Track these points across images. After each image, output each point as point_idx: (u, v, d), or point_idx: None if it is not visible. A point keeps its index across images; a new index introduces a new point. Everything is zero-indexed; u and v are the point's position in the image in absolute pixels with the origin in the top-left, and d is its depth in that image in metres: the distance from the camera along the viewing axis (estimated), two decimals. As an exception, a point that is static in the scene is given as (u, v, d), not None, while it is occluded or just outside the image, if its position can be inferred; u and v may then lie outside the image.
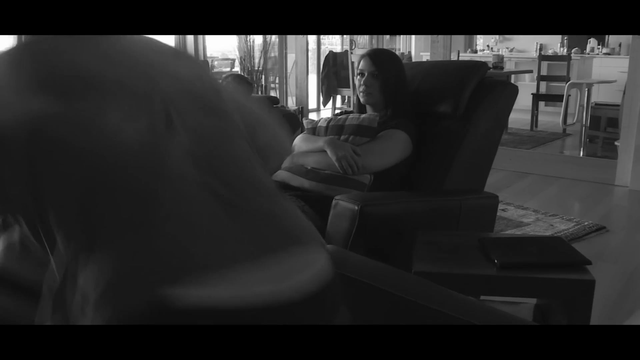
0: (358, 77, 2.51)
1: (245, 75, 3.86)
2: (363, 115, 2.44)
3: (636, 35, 4.60)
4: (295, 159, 2.44)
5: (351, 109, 2.84)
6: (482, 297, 2.07)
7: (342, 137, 2.40)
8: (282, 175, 2.42)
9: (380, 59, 2.47)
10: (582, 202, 4.53)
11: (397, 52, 10.46)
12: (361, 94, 2.49)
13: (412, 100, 2.49)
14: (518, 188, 4.80)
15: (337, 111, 8.75)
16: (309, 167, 2.36)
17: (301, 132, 2.64)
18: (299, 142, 2.51)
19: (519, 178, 5.05)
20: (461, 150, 2.31)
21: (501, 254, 1.69)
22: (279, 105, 3.93)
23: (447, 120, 2.38)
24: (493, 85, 2.40)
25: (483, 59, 7.96)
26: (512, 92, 2.42)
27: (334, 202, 1.95)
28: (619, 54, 9.27)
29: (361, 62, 2.51)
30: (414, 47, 10.49)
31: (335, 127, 2.45)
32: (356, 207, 1.86)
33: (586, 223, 3.83)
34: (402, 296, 1.23)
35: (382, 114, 2.46)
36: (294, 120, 3.91)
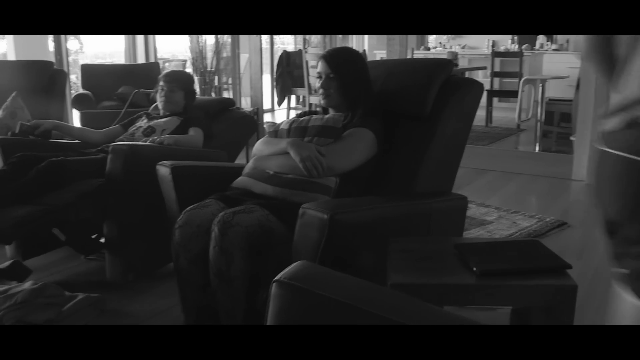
0: (317, 79, 2.41)
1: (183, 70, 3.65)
2: (327, 116, 2.36)
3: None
4: (257, 163, 2.34)
5: (307, 108, 2.74)
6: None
7: (306, 139, 2.30)
8: (243, 181, 2.32)
9: (336, 60, 2.37)
10: (542, 197, 4.55)
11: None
12: (321, 97, 2.40)
13: (377, 98, 2.41)
14: (478, 185, 4.78)
15: (292, 111, 8.67)
16: (272, 172, 2.26)
17: (257, 134, 2.55)
18: (261, 145, 2.41)
19: (479, 175, 5.04)
20: (429, 151, 2.25)
21: (479, 260, 1.63)
22: (234, 107, 3.78)
23: (414, 120, 2.31)
24: (459, 84, 2.34)
25: (436, 57, 7.99)
26: (478, 90, 2.37)
27: (301, 210, 1.86)
28: (567, 50, 9.43)
29: (319, 65, 2.41)
30: (367, 45, 10.47)
31: (298, 129, 2.36)
32: (325, 216, 1.76)
33: (548, 219, 3.83)
34: (383, 316, 1.14)
35: (345, 114, 2.38)
36: (251, 123, 3.79)
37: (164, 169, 2.44)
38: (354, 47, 10.66)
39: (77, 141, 3.36)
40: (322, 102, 2.40)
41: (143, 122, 3.34)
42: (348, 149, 2.25)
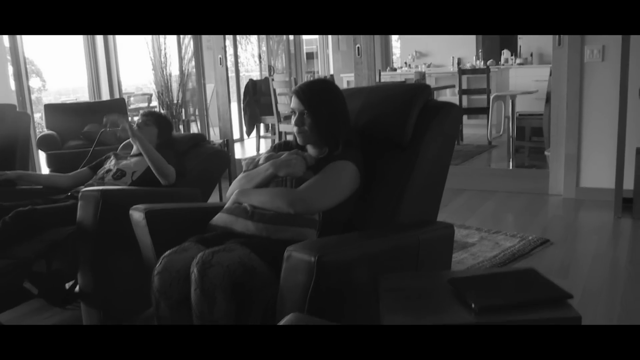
0: (292, 116, 2.33)
1: (164, 112, 3.63)
2: (305, 153, 2.30)
3: (557, 46, 4.65)
4: (238, 197, 2.24)
5: (276, 136, 2.68)
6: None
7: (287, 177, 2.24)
8: (223, 219, 2.22)
9: (309, 95, 2.27)
10: (521, 215, 4.51)
11: (315, 75, 10.43)
12: (296, 134, 2.31)
13: (355, 127, 2.35)
14: (456, 205, 4.74)
15: (262, 140, 8.58)
16: (253, 208, 2.17)
17: (229, 169, 2.48)
18: (240, 181, 2.33)
19: (455, 195, 5.01)
20: (412, 179, 2.19)
21: (476, 295, 1.55)
22: (205, 142, 3.70)
23: (395, 148, 2.25)
24: (438, 108, 2.28)
25: (403, 77, 8.00)
26: (458, 113, 2.33)
27: (286, 253, 1.77)
28: (531, 63, 9.53)
29: (292, 100, 2.32)
30: (332, 68, 10.46)
31: (277, 164, 2.30)
32: (312, 259, 1.67)
33: (530, 238, 3.79)
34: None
35: (323, 149, 2.31)
36: (223, 157, 3.70)
37: (137, 214, 2.35)
38: (319, 71, 10.68)
39: (41, 186, 3.26)
40: (298, 140, 2.32)
41: (112, 164, 3.28)
42: (330, 184, 2.17)
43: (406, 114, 2.22)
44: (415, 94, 2.28)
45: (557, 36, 4.63)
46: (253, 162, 2.37)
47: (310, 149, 2.34)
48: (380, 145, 2.30)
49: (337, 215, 2.18)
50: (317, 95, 2.29)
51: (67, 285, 2.94)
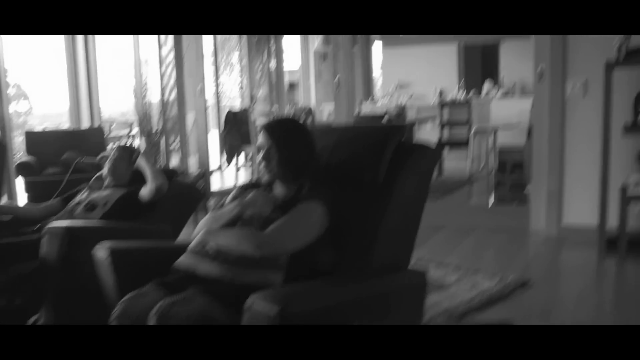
0: (259, 152, 2.23)
1: (133, 146, 3.56)
2: (272, 193, 2.22)
3: (538, 80, 4.56)
4: (203, 238, 2.16)
5: (254, 165, 2.56)
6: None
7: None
8: (187, 261, 2.14)
9: (277, 132, 2.21)
10: (501, 253, 4.39)
11: (297, 104, 10.34)
12: (263, 171, 2.21)
13: (326, 167, 2.26)
14: (434, 243, 4.60)
15: (241, 170, 8.44)
16: (218, 249, 2.08)
17: (204, 202, 2.39)
18: (208, 221, 2.22)
19: (434, 232, 4.87)
20: (384, 222, 2.09)
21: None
22: (177, 176, 3.60)
23: (367, 190, 2.16)
24: (412, 150, 2.20)
25: (384, 108, 7.92)
26: (433, 156, 2.24)
27: (247, 302, 1.67)
28: (514, 94, 9.51)
29: (260, 137, 2.25)
30: (314, 98, 10.37)
31: (244, 205, 2.21)
32: (273, 312, 1.58)
33: (510, 278, 3.66)
34: None
35: (291, 188, 2.19)
36: (195, 194, 3.59)
37: (101, 252, 2.26)
38: (302, 100, 10.60)
39: (10, 217, 3.23)
40: (265, 176, 2.22)
41: (83, 196, 3.25)
42: (298, 225, 2.08)
43: (380, 154, 2.15)
44: (389, 134, 2.22)
45: (538, 69, 4.54)
46: (220, 202, 2.31)
47: (278, 188, 2.27)
48: (353, 186, 2.21)
49: (305, 258, 2.08)
50: (285, 133, 2.23)
51: (31, 321, 2.83)
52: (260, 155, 2.21)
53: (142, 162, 3.30)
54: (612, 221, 4.07)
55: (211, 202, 2.36)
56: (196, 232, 2.23)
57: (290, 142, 2.20)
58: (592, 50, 4.30)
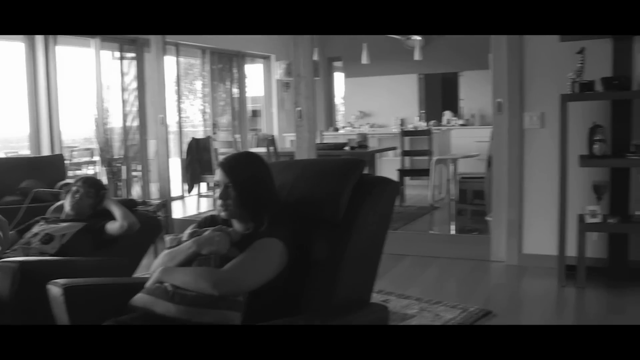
0: (216, 189, 2.19)
1: (97, 179, 3.52)
2: (230, 229, 2.17)
3: (497, 112, 4.64)
4: (160, 276, 2.09)
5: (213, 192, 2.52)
6: None
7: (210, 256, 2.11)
8: (143, 299, 2.08)
9: (234, 168, 2.18)
10: (463, 283, 4.40)
11: (258, 133, 10.32)
12: (219, 208, 2.17)
13: (285, 203, 2.22)
14: (396, 273, 4.60)
15: (203, 199, 8.36)
16: (175, 288, 2.02)
17: (164, 235, 2.36)
18: (162, 259, 2.18)
19: (396, 261, 4.87)
20: (346, 258, 2.08)
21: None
22: (138, 207, 3.55)
23: (328, 226, 2.14)
24: (373, 184, 2.19)
25: (346, 137, 7.94)
26: (393, 189, 2.24)
27: None
28: (473, 124, 9.64)
29: (216, 173, 2.21)
30: (276, 127, 10.37)
31: (201, 241, 2.17)
32: None
33: (471, 309, 3.67)
34: None
35: (249, 225, 2.16)
36: (155, 225, 3.54)
37: (55, 289, 2.19)
38: (264, 129, 10.58)
39: None
40: (221, 214, 2.18)
41: (40, 228, 3.19)
42: (256, 262, 2.05)
43: (340, 190, 2.13)
44: (349, 169, 2.20)
45: (497, 102, 4.62)
46: (176, 239, 2.24)
47: (236, 224, 2.23)
48: (313, 221, 2.19)
49: (264, 297, 2.06)
50: (242, 168, 2.20)
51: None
52: (218, 192, 2.18)
53: (109, 202, 3.26)
54: (571, 249, 4.13)
55: (167, 239, 2.30)
56: (152, 269, 2.18)
57: (248, 179, 2.17)
58: (548, 84, 4.39)
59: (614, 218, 4.05)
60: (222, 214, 2.19)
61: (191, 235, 2.21)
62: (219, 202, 2.18)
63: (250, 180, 2.17)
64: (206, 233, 2.15)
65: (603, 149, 4.01)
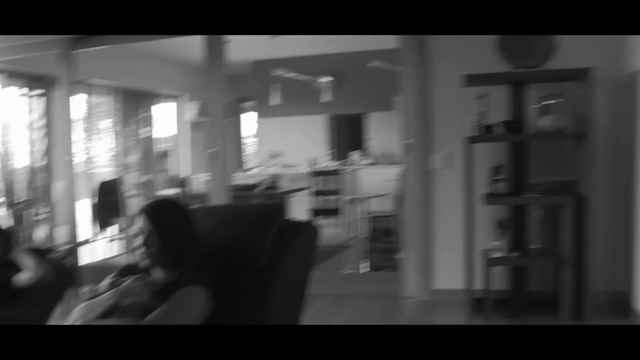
0: (137, 236, 2.18)
1: (4, 228, 3.38)
2: (150, 278, 2.15)
3: (407, 153, 4.84)
4: None
5: (126, 237, 2.49)
6: None
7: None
8: None
9: (157, 215, 2.18)
10: (377, 320, 4.50)
11: (168, 173, 10.19)
12: (142, 256, 2.15)
13: (209, 250, 2.23)
14: (311, 315, 4.57)
15: (113, 242, 8.15)
16: None
17: (77, 287, 2.29)
18: (82, 311, 2.12)
19: (311, 302, 4.84)
20: (270, 303, 2.10)
21: None
22: (48, 254, 3.43)
23: (251, 271, 2.15)
24: (294, 229, 2.25)
25: (257, 178, 8.01)
26: (314, 233, 2.30)
27: None
28: (381, 163, 9.91)
29: (138, 219, 2.19)
30: (188, 166, 10.29)
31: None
32: None
33: (387, 345, 3.75)
34: None
35: (171, 273, 2.15)
36: (66, 273, 3.44)
37: None
38: (174, 169, 10.46)
39: None
40: (144, 262, 2.16)
41: None
42: (179, 313, 2.04)
43: (263, 236, 2.16)
44: (270, 215, 2.25)
45: (407, 143, 4.82)
46: (95, 289, 2.22)
47: (158, 272, 2.20)
48: (237, 268, 2.20)
49: None
50: (166, 215, 2.20)
51: None
52: (139, 239, 2.15)
53: (19, 253, 3.14)
54: (479, 283, 4.33)
55: (86, 289, 2.24)
56: (70, 322, 2.11)
57: (171, 226, 2.16)
58: (454, 127, 4.63)
59: (515, 252, 4.29)
60: (144, 262, 2.17)
61: (110, 286, 2.17)
62: (140, 249, 2.16)
63: (173, 227, 2.16)
64: (126, 283, 2.12)
65: (504, 188, 4.27)
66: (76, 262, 5.93)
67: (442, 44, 4.69)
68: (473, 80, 4.17)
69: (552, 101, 4.14)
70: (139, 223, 2.16)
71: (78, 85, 6.28)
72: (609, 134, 4.40)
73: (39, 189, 7.46)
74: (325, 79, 9.96)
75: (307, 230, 2.26)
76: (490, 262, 4.27)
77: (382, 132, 10.06)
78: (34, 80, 7.36)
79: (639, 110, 4.00)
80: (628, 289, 4.28)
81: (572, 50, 4.25)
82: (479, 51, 4.44)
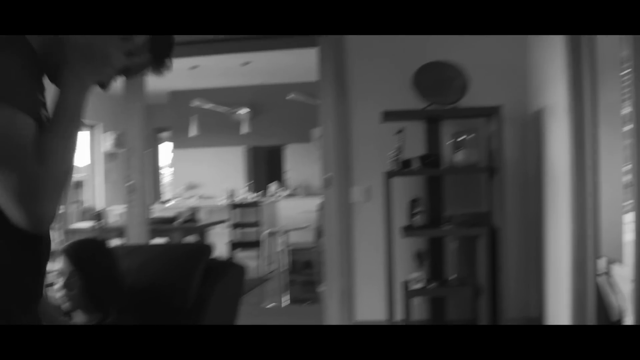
0: (59, 278, 2.12)
1: None
2: (72, 320, 2.08)
3: (326, 186, 4.90)
4: None
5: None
6: None
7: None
8: None
9: (79, 256, 2.13)
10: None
11: (82, 205, 9.88)
12: (62, 299, 2.09)
13: (132, 291, 2.19)
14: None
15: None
16: None
17: None
18: None
19: (234, 335, 4.86)
20: None
21: None
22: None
23: (178, 314, 2.13)
24: (221, 268, 2.24)
25: (174, 210, 7.89)
26: (241, 273, 2.30)
27: None
28: (299, 195, 9.99)
29: (58, 261, 2.13)
30: (103, 198, 10.02)
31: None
32: None
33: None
34: None
35: (95, 315, 2.10)
36: None
37: None
38: (88, 201, 10.15)
39: None
40: (64, 305, 2.10)
41: None
42: None
43: (188, 277, 2.14)
44: (197, 254, 2.23)
45: (326, 177, 4.89)
46: None
47: (80, 315, 2.14)
48: (162, 310, 2.17)
49: None
50: (88, 255, 2.16)
51: None
52: (61, 282, 2.10)
53: None
54: (400, 314, 4.41)
55: None
56: None
57: (93, 268, 2.12)
58: (373, 161, 4.74)
59: (434, 283, 4.41)
60: (65, 305, 2.12)
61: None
62: (61, 292, 2.10)
63: (95, 269, 2.12)
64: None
65: (422, 220, 4.40)
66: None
67: (360, 79, 4.80)
68: (390, 116, 4.29)
69: (466, 137, 4.31)
70: (61, 265, 2.10)
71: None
72: (519, 167, 4.61)
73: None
74: (243, 111, 9.99)
75: (234, 269, 2.25)
76: (410, 294, 4.37)
77: (300, 163, 10.16)
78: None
79: (545, 145, 4.22)
80: (540, 314, 4.46)
81: (483, 88, 4.46)
82: (397, 87, 4.58)
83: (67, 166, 1.21)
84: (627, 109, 2.75)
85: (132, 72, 1.44)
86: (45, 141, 1.19)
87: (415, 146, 4.48)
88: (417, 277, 4.41)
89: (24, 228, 1.12)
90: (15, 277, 1.18)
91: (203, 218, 8.35)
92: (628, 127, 2.74)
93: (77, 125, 1.30)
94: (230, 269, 2.24)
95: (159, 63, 1.45)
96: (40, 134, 1.19)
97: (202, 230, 7.35)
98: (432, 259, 4.58)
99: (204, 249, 2.29)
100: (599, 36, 3.41)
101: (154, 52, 1.41)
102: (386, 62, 4.75)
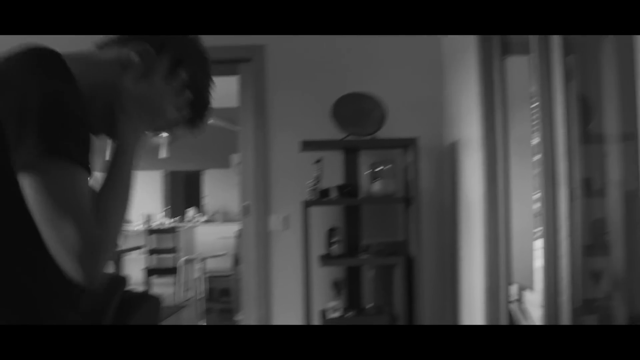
0: None
1: None
2: None
3: (244, 214, 4.87)
4: None
5: None
6: None
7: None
8: None
9: None
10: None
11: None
12: None
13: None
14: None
15: None
16: None
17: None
18: None
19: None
20: None
21: None
22: None
23: None
24: (136, 301, 2.17)
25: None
26: (156, 305, 2.24)
27: None
28: (217, 221, 9.89)
29: None
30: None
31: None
32: None
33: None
34: None
35: None
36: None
37: None
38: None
39: None
40: None
41: None
42: None
43: (101, 311, 2.06)
44: (110, 286, 2.15)
45: (244, 205, 4.86)
46: None
47: None
48: None
49: None
50: None
51: None
52: None
53: None
54: (316, 344, 4.40)
55: None
56: None
57: None
58: (291, 189, 4.75)
59: (351, 311, 4.44)
60: None
61: None
62: None
63: None
64: None
65: (339, 249, 4.43)
66: None
67: (280, 108, 4.82)
68: (309, 145, 4.32)
69: (383, 167, 4.39)
70: None
71: None
72: (434, 197, 4.73)
73: None
74: (161, 135, 9.82)
75: (149, 302, 2.19)
76: (328, 322, 4.38)
77: (219, 189, 10.08)
78: None
79: (459, 176, 4.34)
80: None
81: (401, 120, 4.57)
82: (316, 118, 4.63)
83: (122, 226, 1.23)
84: (536, 140, 2.87)
85: (171, 126, 1.42)
86: (105, 201, 1.21)
87: (333, 176, 4.53)
88: (334, 306, 4.43)
89: (77, 283, 1.13)
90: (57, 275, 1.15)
91: (118, 244, 8.12)
92: (537, 157, 2.86)
93: (132, 182, 1.30)
94: (145, 302, 2.18)
95: (196, 122, 1.44)
96: (100, 193, 1.20)
97: (117, 256, 7.13)
98: (349, 287, 4.61)
99: (119, 280, 2.22)
100: (510, 73, 3.56)
101: (194, 110, 1.40)
102: (306, 93, 4.79)
